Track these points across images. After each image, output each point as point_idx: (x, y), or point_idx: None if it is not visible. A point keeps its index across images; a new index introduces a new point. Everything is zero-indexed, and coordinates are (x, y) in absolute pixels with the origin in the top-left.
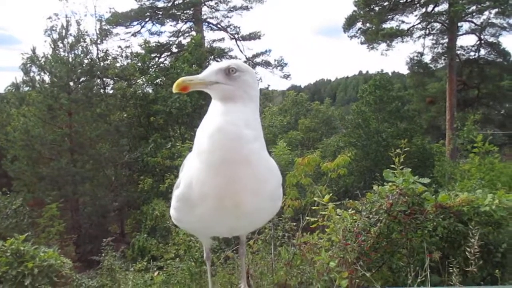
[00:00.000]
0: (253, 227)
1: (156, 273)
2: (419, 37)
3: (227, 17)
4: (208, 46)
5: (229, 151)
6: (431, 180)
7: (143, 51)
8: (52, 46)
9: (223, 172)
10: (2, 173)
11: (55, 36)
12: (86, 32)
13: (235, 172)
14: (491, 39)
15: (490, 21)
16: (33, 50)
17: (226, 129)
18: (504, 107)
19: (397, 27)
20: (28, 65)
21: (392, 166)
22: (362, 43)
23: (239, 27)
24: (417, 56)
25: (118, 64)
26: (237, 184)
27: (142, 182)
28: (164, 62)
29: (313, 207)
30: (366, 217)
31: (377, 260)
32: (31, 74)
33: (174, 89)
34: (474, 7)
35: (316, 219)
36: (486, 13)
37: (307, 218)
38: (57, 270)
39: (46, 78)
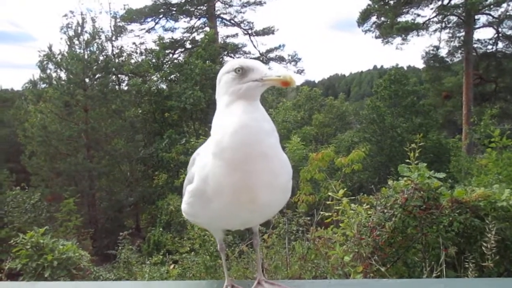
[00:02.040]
0: (264, 219)
1: (171, 267)
2: (435, 30)
3: (241, 12)
4: (222, 42)
5: (252, 146)
6: (447, 175)
7: (157, 48)
8: (68, 43)
9: (242, 167)
10: (20, 169)
11: (71, 33)
12: (101, 29)
13: (253, 167)
14: (509, 32)
15: (508, 13)
16: (50, 48)
17: (250, 126)
18: None
19: (412, 21)
20: (45, 62)
21: (407, 161)
22: (376, 37)
23: (252, 23)
24: (433, 50)
25: (132, 61)
26: (253, 178)
27: (157, 177)
28: (178, 58)
29: (327, 202)
30: (380, 211)
31: (392, 254)
32: (48, 71)
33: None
34: (491, 0)
35: (330, 213)
36: (504, 5)
37: (321, 213)
38: (76, 262)
39: (63, 75)
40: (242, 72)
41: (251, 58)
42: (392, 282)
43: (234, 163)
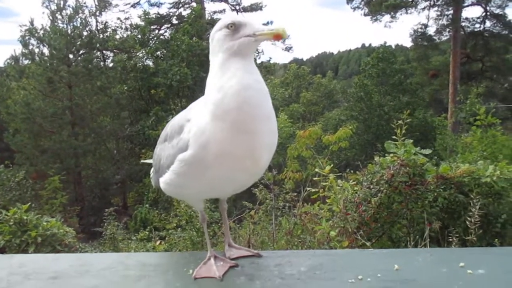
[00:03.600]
0: (255, 181)
1: (158, 242)
2: (423, 8)
3: None
4: (209, 18)
5: (257, 108)
6: (432, 153)
7: (142, 23)
8: (51, 17)
9: (247, 128)
10: (4, 147)
11: (53, 7)
12: (85, 3)
13: (258, 128)
14: (497, 11)
15: None
16: (31, 22)
17: (254, 87)
18: (508, 81)
19: None
20: (27, 37)
21: (394, 137)
22: (365, 15)
23: None
24: (421, 28)
25: (117, 36)
26: (257, 140)
27: (143, 155)
28: (164, 34)
29: (314, 178)
30: (367, 187)
31: (377, 230)
32: (30, 46)
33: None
34: None
35: (317, 190)
36: None
37: (308, 189)
38: (60, 239)
39: (45, 50)
40: (234, 28)
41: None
42: (377, 251)
43: (238, 124)
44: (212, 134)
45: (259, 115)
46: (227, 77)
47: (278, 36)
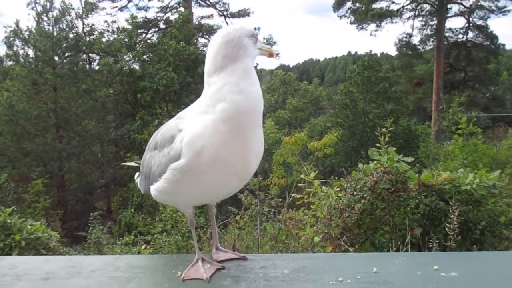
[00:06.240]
0: (242, 186)
1: (143, 247)
2: (408, 18)
3: None
4: (196, 23)
5: (259, 114)
6: (415, 160)
7: (129, 27)
8: (36, 19)
9: (246, 134)
10: None
11: (39, 9)
12: (71, 5)
13: (252, 135)
14: (479, 22)
15: (479, 3)
16: (17, 23)
17: (262, 97)
18: (489, 90)
19: (386, 8)
20: (12, 38)
21: (378, 145)
22: (351, 23)
23: (228, 4)
24: (405, 37)
25: (104, 39)
26: (249, 147)
27: (128, 159)
28: (151, 38)
29: (299, 184)
30: (350, 194)
31: (360, 235)
32: (15, 48)
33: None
34: None
35: (301, 196)
36: None
37: (293, 195)
38: (45, 242)
39: (30, 52)
40: (255, 39)
41: None
42: (358, 255)
43: (240, 129)
44: (209, 138)
45: (257, 124)
46: (249, 82)
47: (271, 55)
